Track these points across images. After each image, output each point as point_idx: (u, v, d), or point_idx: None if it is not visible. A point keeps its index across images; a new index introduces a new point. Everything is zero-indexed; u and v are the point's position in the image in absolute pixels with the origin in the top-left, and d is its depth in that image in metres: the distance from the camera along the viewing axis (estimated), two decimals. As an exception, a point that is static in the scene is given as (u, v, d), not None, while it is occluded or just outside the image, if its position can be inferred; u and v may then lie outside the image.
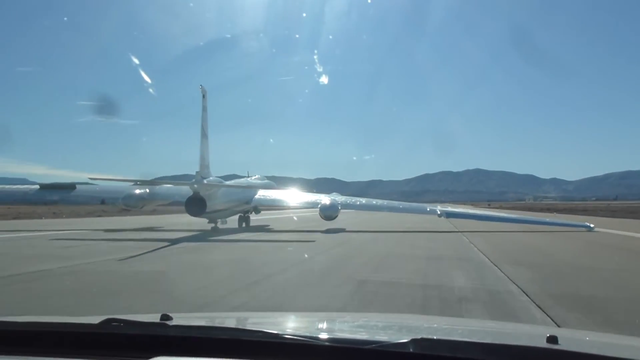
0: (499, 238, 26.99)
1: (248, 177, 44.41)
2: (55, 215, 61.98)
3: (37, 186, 38.36)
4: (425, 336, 2.48)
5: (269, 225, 39.92)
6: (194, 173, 30.88)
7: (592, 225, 31.95)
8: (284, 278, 13.02)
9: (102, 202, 40.89)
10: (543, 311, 8.68)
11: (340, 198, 38.43)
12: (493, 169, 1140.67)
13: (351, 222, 41.60)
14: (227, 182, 36.05)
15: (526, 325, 5.77)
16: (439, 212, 35.27)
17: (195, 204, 29.85)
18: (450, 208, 41.02)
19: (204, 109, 32.48)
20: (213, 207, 31.46)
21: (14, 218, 53.63)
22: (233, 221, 38.18)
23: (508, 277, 12.62)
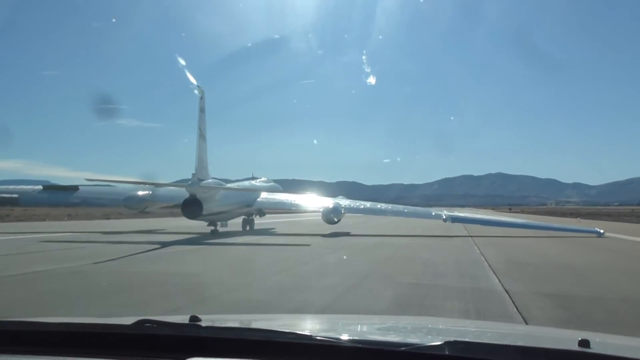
0: (510, 246, 23.82)
1: (252, 179, 43.60)
2: (70, 217, 62.05)
3: (40, 187, 37.89)
4: (457, 339, 2.42)
5: (274, 229, 39.06)
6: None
7: (602, 231, 30.49)
8: (238, 297, 10.76)
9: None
10: None
11: (344, 202, 37.43)
12: (515, 173, 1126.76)
13: (359, 226, 40.55)
14: (229, 185, 35.19)
15: (555, 329, 5.57)
16: (444, 217, 34.03)
17: (191, 207, 29.09)
18: (457, 213, 39.74)
19: (202, 109, 31.66)
20: (211, 210, 30.65)
21: (27, 220, 53.79)
22: (237, 224, 37.61)
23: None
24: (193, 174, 29.86)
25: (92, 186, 38.67)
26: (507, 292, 10.76)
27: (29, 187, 37.93)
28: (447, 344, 2.30)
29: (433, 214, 36.21)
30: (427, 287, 11.79)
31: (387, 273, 14.46)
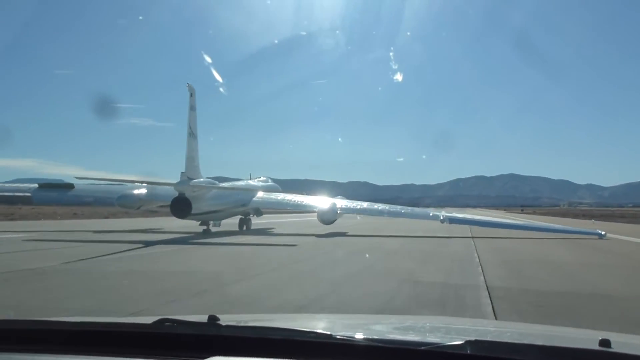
0: (515, 253, 20.68)
1: (250, 179, 42.95)
2: (76, 216, 61.90)
3: (36, 185, 37.44)
4: (478, 338, 2.37)
5: (273, 229, 38.68)
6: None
7: (603, 233, 29.37)
8: (193, 304, 9.85)
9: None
10: None
11: (341, 202, 36.61)
12: (527, 174, 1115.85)
13: (358, 227, 39.67)
14: (223, 184, 34.47)
15: (574, 329, 5.30)
16: (441, 218, 33.03)
17: (180, 206, 28.44)
18: (455, 214, 38.55)
19: (192, 107, 30.97)
20: (201, 209, 30.02)
21: (33, 218, 53.68)
22: (234, 224, 36.99)
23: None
24: (182, 173, 29.18)
25: (88, 184, 38.16)
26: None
27: (24, 185, 37.47)
28: (469, 343, 2.25)
29: (431, 214, 35.25)
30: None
31: (345, 297, 10.67)
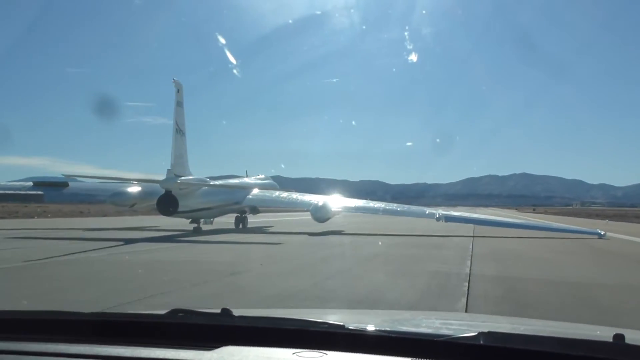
0: (516, 261, 17.70)
1: (247, 176, 42.26)
2: (83, 214, 61.67)
3: (31, 183, 37.00)
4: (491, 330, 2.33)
5: (271, 227, 38.36)
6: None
7: (602, 232, 28.53)
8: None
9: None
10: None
11: (337, 200, 35.93)
12: (540, 174, 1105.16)
13: (357, 225, 39.06)
14: (214, 182, 33.68)
15: (588, 325, 5.29)
16: (437, 216, 32.11)
17: (166, 203, 27.83)
18: (452, 212, 37.64)
19: (179, 104, 30.30)
20: (189, 207, 29.39)
21: (37, 217, 53.56)
22: (230, 223, 36.32)
23: None
24: (168, 170, 28.51)
25: (83, 183, 37.63)
26: None
27: (19, 183, 37.01)
28: (482, 334, 2.22)
29: (427, 212, 34.30)
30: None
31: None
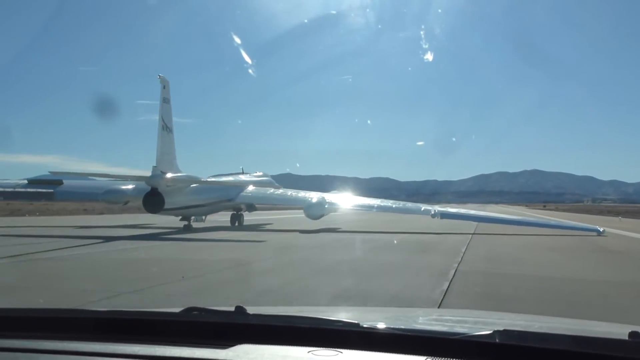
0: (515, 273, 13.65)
1: (242, 173, 41.40)
2: (86, 212, 61.33)
3: (26, 181, 36.35)
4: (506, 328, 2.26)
5: (270, 224, 37.49)
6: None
7: (601, 229, 27.15)
8: None
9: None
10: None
11: (331, 197, 34.87)
12: (551, 170, 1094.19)
13: (354, 223, 37.86)
14: (205, 179, 32.79)
15: (603, 322, 4.61)
16: (432, 213, 31.06)
17: (151, 201, 27.02)
18: (450, 209, 36.51)
19: (165, 100, 29.46)
20: (177, 204, 28.61)
21: (41, 214, 53.41)
22: (225, 221, 35.52)
23: None
24: (154, 167, 27.62)
25: (77, 180, 36.92)
26: None
27: (14, 181, 36.39)
28: (497, 332, 2.17)
29: (422, 209, 33.15)
30: None
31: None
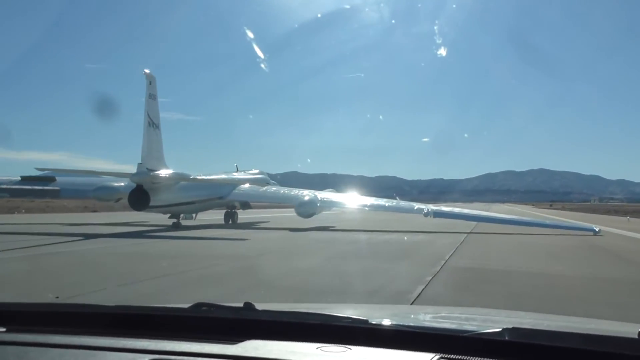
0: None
1: (237, 171, 40.73)
2: (88, 209, 60.91)
3: (19, 178, 35.78)
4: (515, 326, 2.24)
5: (266, 222, 36.92)
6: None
7: (597, 229, 26.52)
8: None
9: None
10: None
11: (324, 195, 34.15)
12: (558, 169, 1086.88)
13: (352, 222, 36.60)
14: (195, 177, 32.01)
15: (612, 321, 4.49)
16: (425, 212, 30.21)
17: (136, 198, 26.31)
18: (443, 207, 35.56)
19: (151, 96, 28.69)
20: (164, 201, 27.95)
21: (40, 212, 53.07)
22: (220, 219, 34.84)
23: None
24: (139, 164, 26.93)
25: (70, 177, 36.28)
26: None
27: (6, 177, 35.82)
28: (507, 330, 2.14)
29: (415, 208, 32.25)
30: None
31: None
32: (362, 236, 25.05)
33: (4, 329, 2.46)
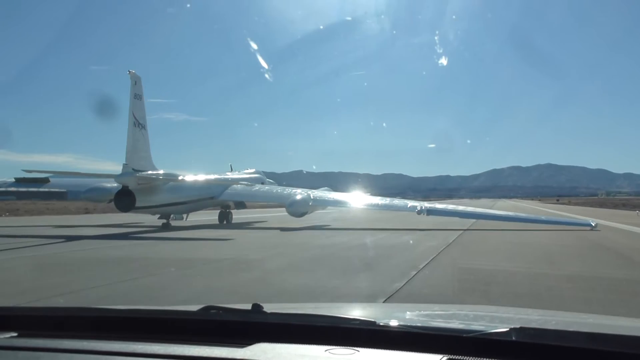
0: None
1: (231, 170, 40.11)
2: (87, 211, 60.46)
3: (13, 179, 35.33)
4: (522, 326, 2.21)
5: (263, 222, 36.03)
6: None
7: (594, 224, 26.02)
8: None
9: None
10: None
11: (317, 193, 33.40)
12: (564, 164, 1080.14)
13: (350, 221, 35.99)
14: (184, 176, 31.30)
15: (621, 317, 4.79)
16: (418, 209, 29.42)
17: (122, 199, 25.67)
18: (437, 205, 34.91)
19: (137, 96, 27.95)
20: (151, 202, 27.31)
21: (38, 214, 52.67)
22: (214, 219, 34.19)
23: None
24: (125, 165, 26.25)
25: (63, 178, 35.75)
26: None
27: (1, 180, 35.35)
28: (514, 330, 2.12)
29: (408, 206, 31.35)
30: None
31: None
32: (343, 238, 22.49)
33: (15, 334, 2.45)
